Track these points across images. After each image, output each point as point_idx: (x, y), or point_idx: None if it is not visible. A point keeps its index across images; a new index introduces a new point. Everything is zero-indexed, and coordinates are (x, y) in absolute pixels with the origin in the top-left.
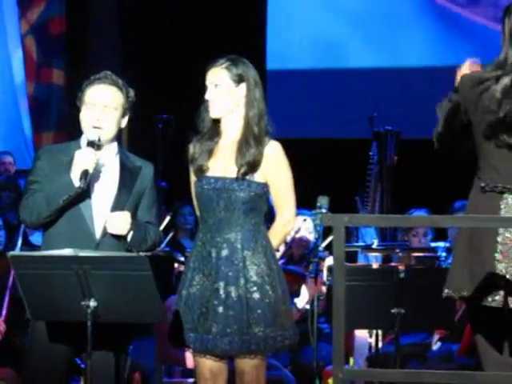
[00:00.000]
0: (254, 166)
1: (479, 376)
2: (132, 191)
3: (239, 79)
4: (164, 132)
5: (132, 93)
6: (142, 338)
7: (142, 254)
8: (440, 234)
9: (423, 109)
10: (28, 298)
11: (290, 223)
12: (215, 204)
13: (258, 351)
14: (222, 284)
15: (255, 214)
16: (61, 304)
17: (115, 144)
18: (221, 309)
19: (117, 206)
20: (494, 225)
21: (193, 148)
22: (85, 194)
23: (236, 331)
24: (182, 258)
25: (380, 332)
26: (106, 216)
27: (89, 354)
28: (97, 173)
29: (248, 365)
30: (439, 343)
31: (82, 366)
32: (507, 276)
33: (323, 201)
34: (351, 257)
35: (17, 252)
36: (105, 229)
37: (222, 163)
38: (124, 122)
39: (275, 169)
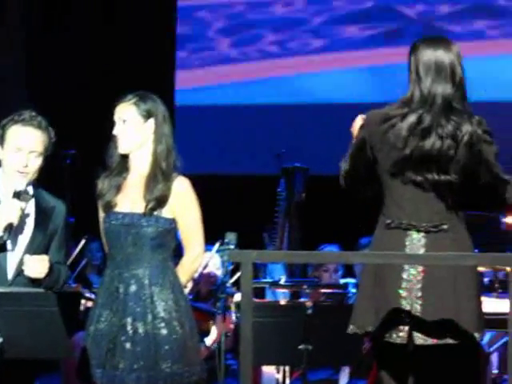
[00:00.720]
0: (161, 201)
1: None
2: (46, 232)
3: (148, 115)
4: (71, 167)
5: (53, 133)
6: (49, 374)
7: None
8: (350, 270)
9: (332, 145)
10: None
11: (198, 259)
12: (123, 239)
13: None
14: (129, 320)
15: (163, 250)
16: None
17: (31, 186)
18: (128, 345)
19: (31, 248)
20: (401, 261)
21: (101, 183)
22: None
23: (143, 367)
24: (89, 294)
25: (287, 368)
26: (24, 258)
27: None
28: None
29: None
30: (346, 379)
31: None
32: (412, 312)
33: (231, 237)
34: (259, 293)
35: None
36: (18, 269)
37: (130, 199)
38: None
39: (183, 204)
